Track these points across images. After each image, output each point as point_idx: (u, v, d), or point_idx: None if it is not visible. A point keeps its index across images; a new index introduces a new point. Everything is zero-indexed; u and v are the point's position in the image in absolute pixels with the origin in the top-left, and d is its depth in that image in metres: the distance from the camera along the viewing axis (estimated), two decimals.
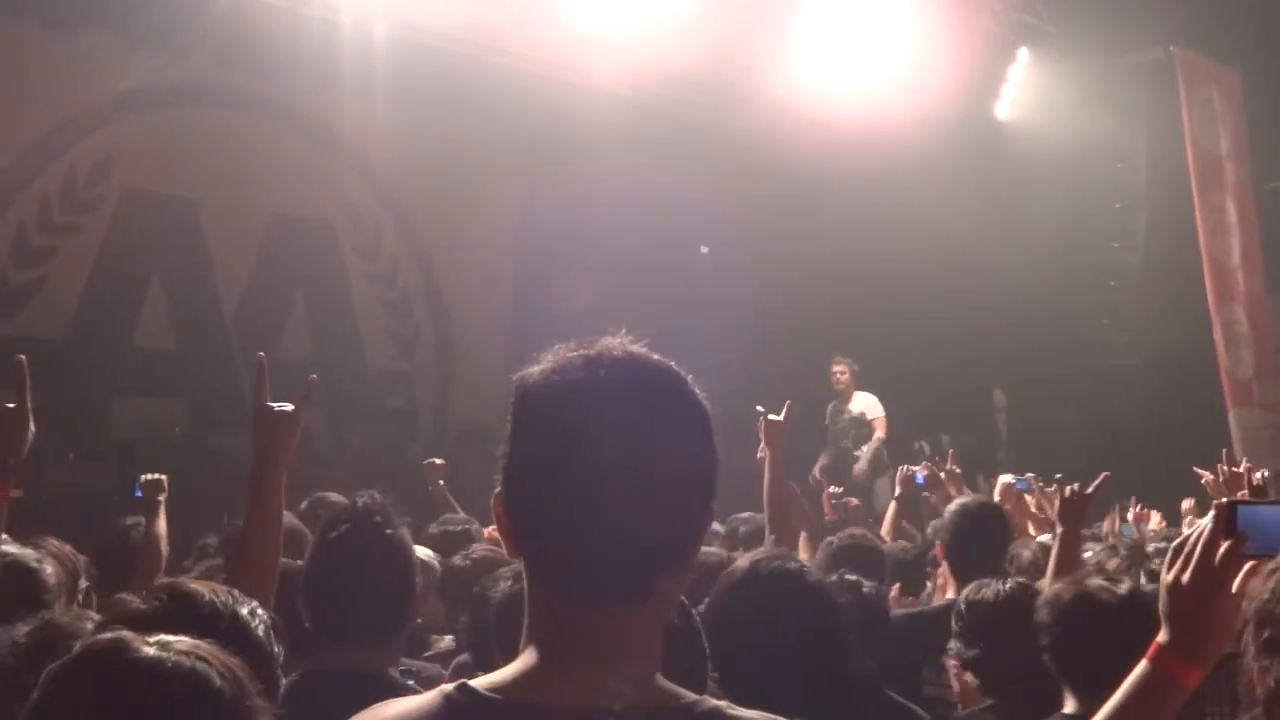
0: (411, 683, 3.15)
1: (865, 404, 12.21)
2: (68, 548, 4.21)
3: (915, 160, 12.37)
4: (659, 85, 11.53)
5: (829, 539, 5.54)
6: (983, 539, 5.08)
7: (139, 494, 5.47)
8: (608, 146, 12.01)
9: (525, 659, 1.56)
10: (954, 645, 3.91)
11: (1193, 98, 13.51)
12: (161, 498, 5.38)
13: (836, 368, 12.26)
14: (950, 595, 4.91)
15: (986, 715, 3.75)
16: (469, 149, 12.48)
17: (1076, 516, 4.56)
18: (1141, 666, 2.10)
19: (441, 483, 7.29)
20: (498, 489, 1.61)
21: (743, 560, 3.12)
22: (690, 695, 1.57)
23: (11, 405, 3.36)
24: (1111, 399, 13.76)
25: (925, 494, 7.63)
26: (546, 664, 1.55)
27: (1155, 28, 13.24)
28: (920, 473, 7.53)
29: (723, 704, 1.58)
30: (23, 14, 10.02)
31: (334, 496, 5.87)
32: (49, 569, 3.65)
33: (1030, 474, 7.61)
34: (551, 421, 1.58)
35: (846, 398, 12.32)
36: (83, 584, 4.04)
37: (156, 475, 5.49)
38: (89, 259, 10.86)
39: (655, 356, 1.65)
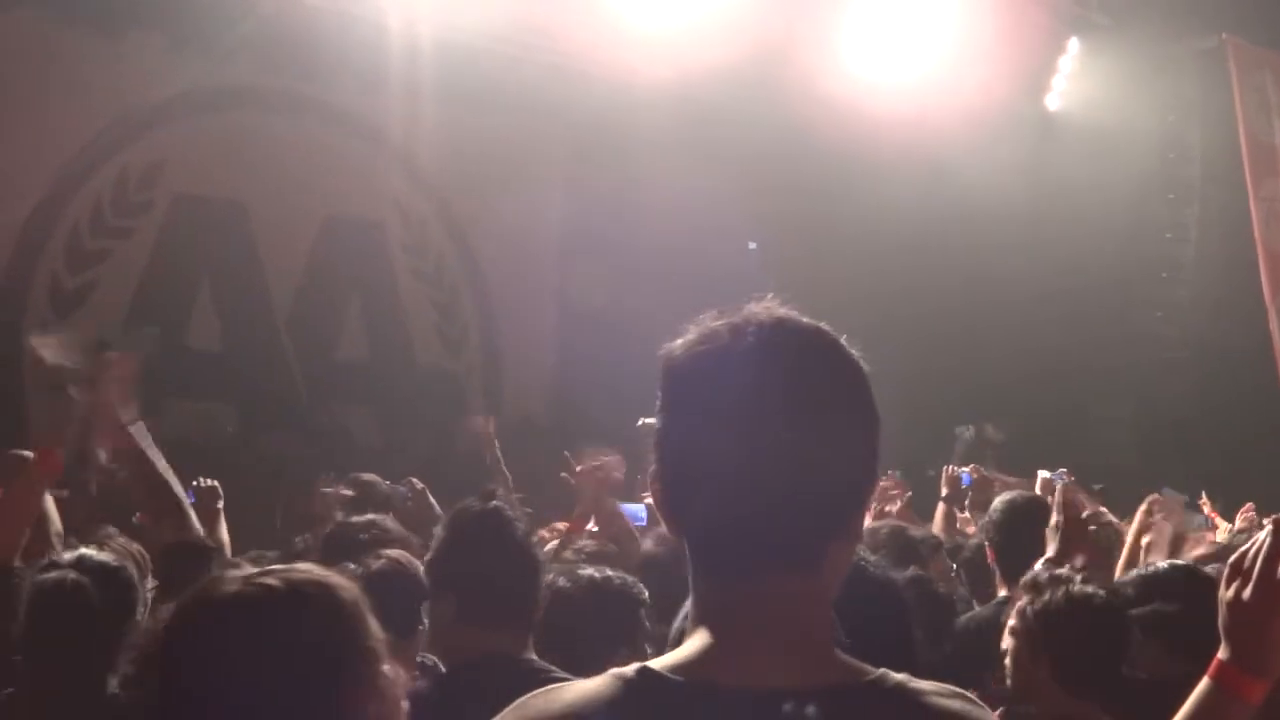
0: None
1: None
2: (135, 545, 4.24)
3: (965, 153, 12.27)
4: (705, 81, 11.49)
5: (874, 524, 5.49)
6: (1033, 533, 5.01)
7: (192, 499, 5.49)
8: (653, 143, 12.00)
9: (699, 639, 1.51)
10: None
11: (1245, 85, 13.32)
12: (219, 505, 5.39)
13: None
14: (1003, 594, 4.84)
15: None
16: (515, 148, 12.51)
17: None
18: (1204, 684, 2.11)
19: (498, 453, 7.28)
20: (652, 468, 1.55)
21: None
22: (872, 670, 1.53)
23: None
24: (1164, 391, 13.61)
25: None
26: (722, 644, 1.50)
27: (1206, 15, 13.07)
28: (967, 473, 7.43)
29: (902, 676, 1.53)
30: (76, 19, 10.13)
31: (368, 476, 5.93)
32: (130, 568, 3.71)
33: (1063, 468, 7.54)
34: (706, 392, 1.53)
35: None
36: (150, 583, 4.05)
37: (211, 482, 5.50)
38: (141, 262, 10.98)
39: (806, 319, 1.63)
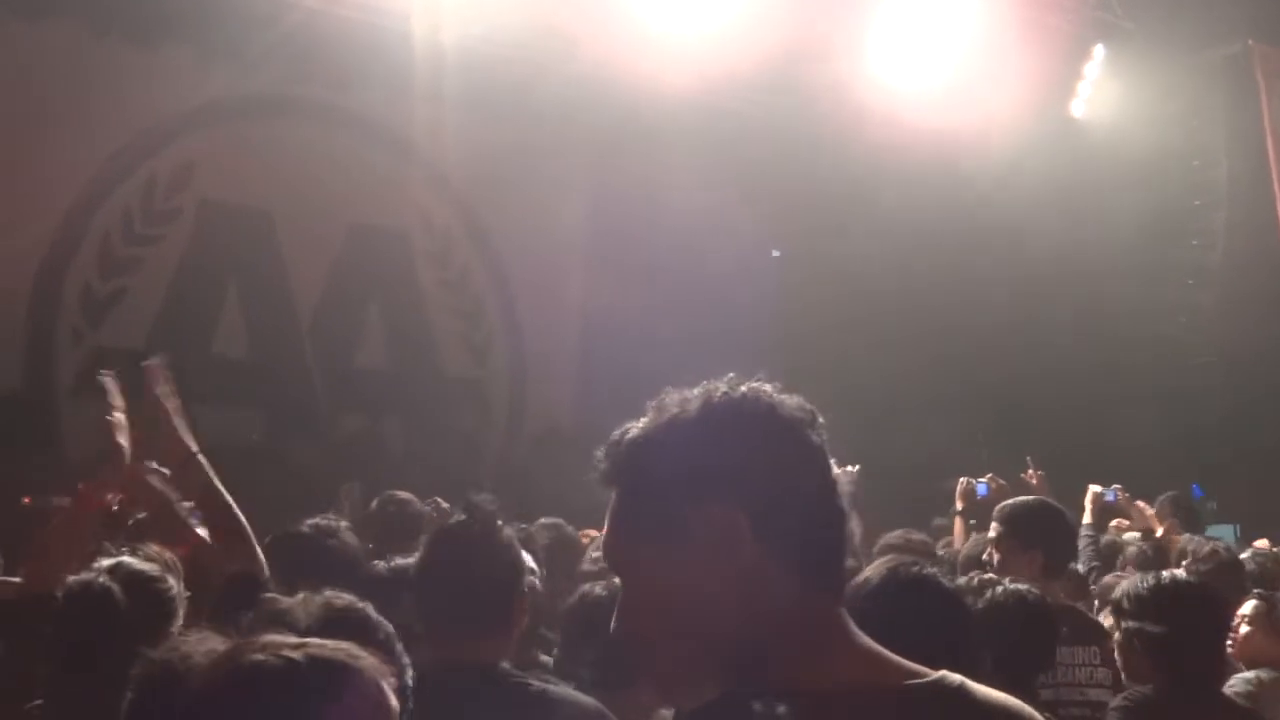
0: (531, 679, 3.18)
1: None
2: (168, 554, 4.22)
3: (990, 160, 12.26)
4: (729, 88, 11.51)
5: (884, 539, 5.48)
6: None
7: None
8: (678, 152, 12.02)
9: (790, 650, 1.63)
10: (1131, 624, 3.98)
11: (1272, 91, 13.27)
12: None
13: None
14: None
15: (1150, 692, 3.86)
16: (539, 156, 12.55)
17: None
18: None
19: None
20: (730, 507, 1.63)
21: (878, 566, 3.06)
22: (931, 671, 1.63)
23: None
24: (1190, 397, 13.54)
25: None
26: (817, 655, 1.63)
27: (1233, 21, 13.02)
28: (984, 484, 7.23)
29: (958, 678, 1.63)
30: (107, 30, 10.22)
31: (402, 495, 5.94)
32: (169, 580, 3.64)
33: (1117, 485, 7.52)
34: (795, 444, 1.70)
35: None
36: (184, 592, 4.03)
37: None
38: (169, 269, 11.06)
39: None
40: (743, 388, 1.72)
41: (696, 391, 1.72)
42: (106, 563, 3.56)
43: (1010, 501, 5.27)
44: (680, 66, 10.82)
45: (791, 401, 1.72)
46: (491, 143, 12.02)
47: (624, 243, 12.86)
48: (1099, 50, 13.37)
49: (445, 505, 6.06)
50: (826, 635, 1.64)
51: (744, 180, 12.89)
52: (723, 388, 1.72)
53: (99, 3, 10.00)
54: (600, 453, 1.74)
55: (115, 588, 3.41)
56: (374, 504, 6.10)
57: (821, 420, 1.73)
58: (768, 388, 1.72)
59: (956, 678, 1.60)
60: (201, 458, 3.76)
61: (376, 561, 4.41)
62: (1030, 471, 7.29)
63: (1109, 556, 6.57)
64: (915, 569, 3.00)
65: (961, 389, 12.38)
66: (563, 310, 13.06)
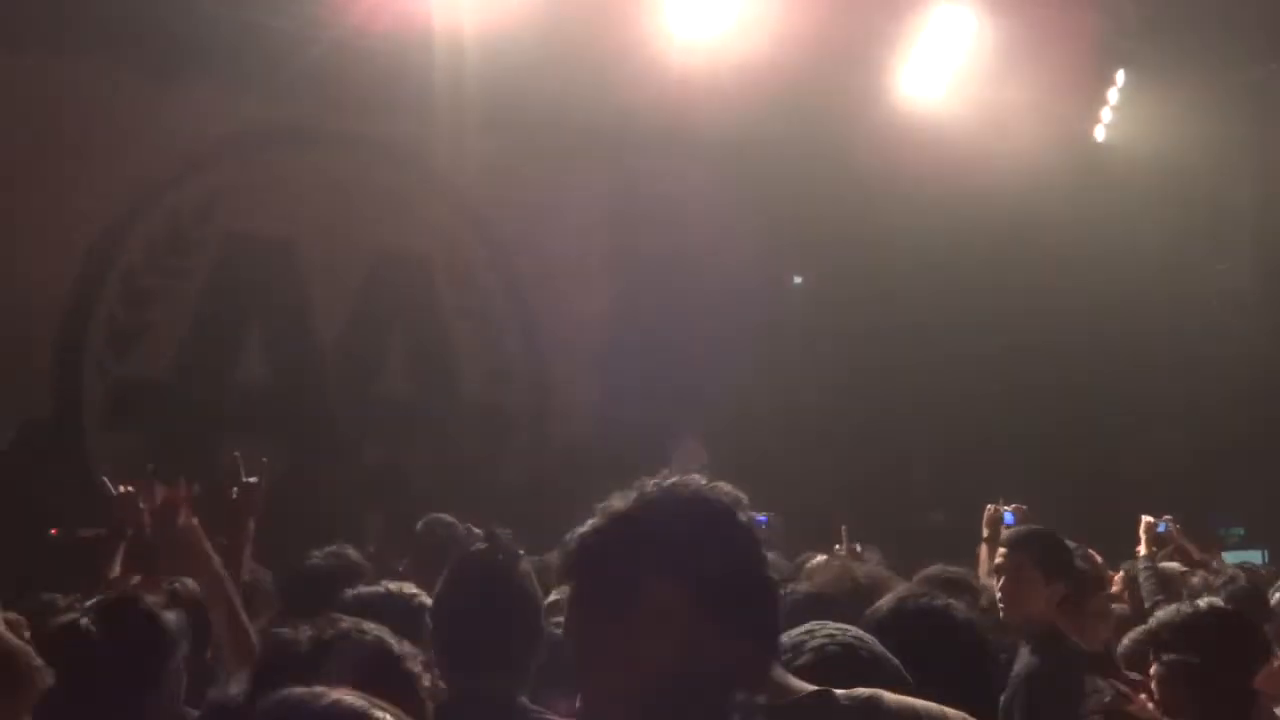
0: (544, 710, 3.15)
1: None
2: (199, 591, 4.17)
3: (1013, 185, 12.23)
4: (754, 112, 11.51)
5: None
6: None
7: None
8: (701, 173, 12.05)
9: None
10: (1170, 656, 3.89)
11: None
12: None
13: None
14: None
15: None
16: (561, 181, 12.60)
17: None
18: None
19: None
20: (670, 585, 1.90)
21: (890, 597, 3.05)
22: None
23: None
24: (1218, 419, 13.46)
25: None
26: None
27: (1256, 47, 12.99)
28: (1010, 512, 6.84)
29: (868, 692, 1.95)
30: (131, 62, 10.31)
31: (446, 518, 5.95)
32: (169, 616, 3.44)
33: (1168, 516, 7.44)
34: (724, 526, 1.97)
35: None
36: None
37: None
38: (193, 299, 11.12)
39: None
40: (671, 480, 1.98)
41: (633, 491, 1.99)
42: (104, 598, 3.45)
43: (1025, 529, 5.14)
44: (704, 88, 10.83)
45: (719, 488, 1.99)
46: (513, 168, 12.07)
47: (646, 264, 12.87)
48: (1121, 76, 13.35)
49: (479, 531, 6.05)
50: (759, 687, 1.88)
51: (766, 200, 12.92)
52: (655, 482, 1.99)
53: (122, 36, 10.08)
54: (556, 554, 2.04)
55: (92, 627, 3.21)
56: (419, 526, 6.10)
57: (746, 502, 1.99)
58: (696, 478, 1.99)
59: (866, 691, 1.91)
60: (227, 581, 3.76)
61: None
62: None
63: (1171, 589, 6.45)
64: (924, 600, 2.99)
65: (981, 414, 12.33)
66: (585, 332, 13.06)
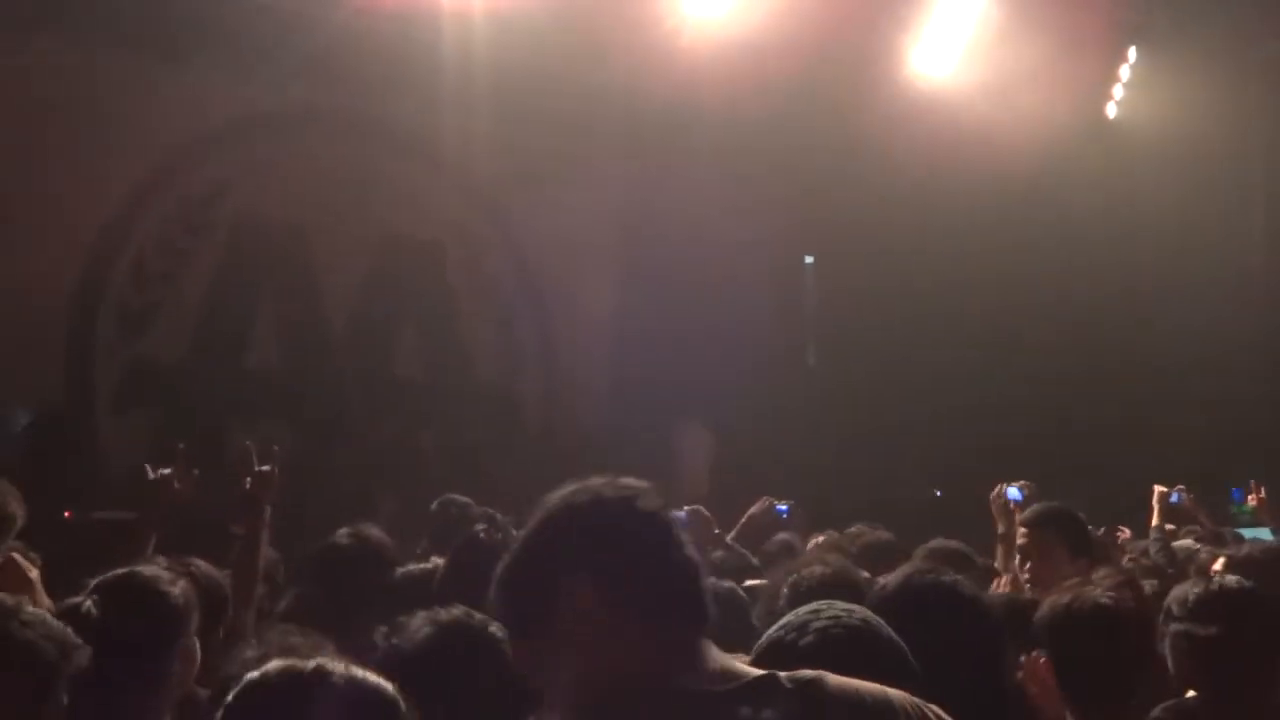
0: None
1: None
2: (213, 571, 4.17)
3: (1025, 164, 12.19)
4: (765, 94, 11.47)
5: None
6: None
7: None
8: (710, 157, 12.01)
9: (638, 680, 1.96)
10: (1179, 626, 3.76)
11: None
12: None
13: None
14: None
15: (1192, 702, 3.73)
16: (571, 166, 12.56)
17: None
18: None
19: None
20: (579, 583, 1.97)
21: (897, 574, 3.03)
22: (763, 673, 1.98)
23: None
24: (1231, 399, 13.42)
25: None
26: (664, 678, 1.96)
27: (1269, 20, 12.90)
28: (1015, 490, 6.20)
29: (811, 674, 1.98)
30: (139, 47, 10.29)
31: (461, 498, 6.07)
32: (176, 592, 3.29)
33: (1181, 486, 7.43)
34: (626, 518, 2.05)
35: None
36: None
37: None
38: (203, 284, 11.12)
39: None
40: (569, 488, 2.06)
41: (539, 510, 2.08)
42: (113, 575, 3.30)
43: (1043, 508, 5.04)
44: (711, 71, 10.80)
45: (618, 484, 2.06)
46: (523, 152, 12.04)
47: (657, 250, 12.84)
48: (1133, 53, 13.29)
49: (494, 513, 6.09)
50: (677, 661, 1.95)
51: (776, 186, 12.87)
52: (557, 495, 2.07)
53: (131, 21, 10.05)
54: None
55: (93, 608, 3.10)
56: (434, 505, 6.18)
57: (652, 492, 2.06)
58: (594, 481, 2.06)
59: (810, 673, 1.96)
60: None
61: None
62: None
63: (1182, 563, 6.40)
64: (930, 576, 2.96)
65: (995, 394, 12.30)
66: (595, 317, 13.05)
